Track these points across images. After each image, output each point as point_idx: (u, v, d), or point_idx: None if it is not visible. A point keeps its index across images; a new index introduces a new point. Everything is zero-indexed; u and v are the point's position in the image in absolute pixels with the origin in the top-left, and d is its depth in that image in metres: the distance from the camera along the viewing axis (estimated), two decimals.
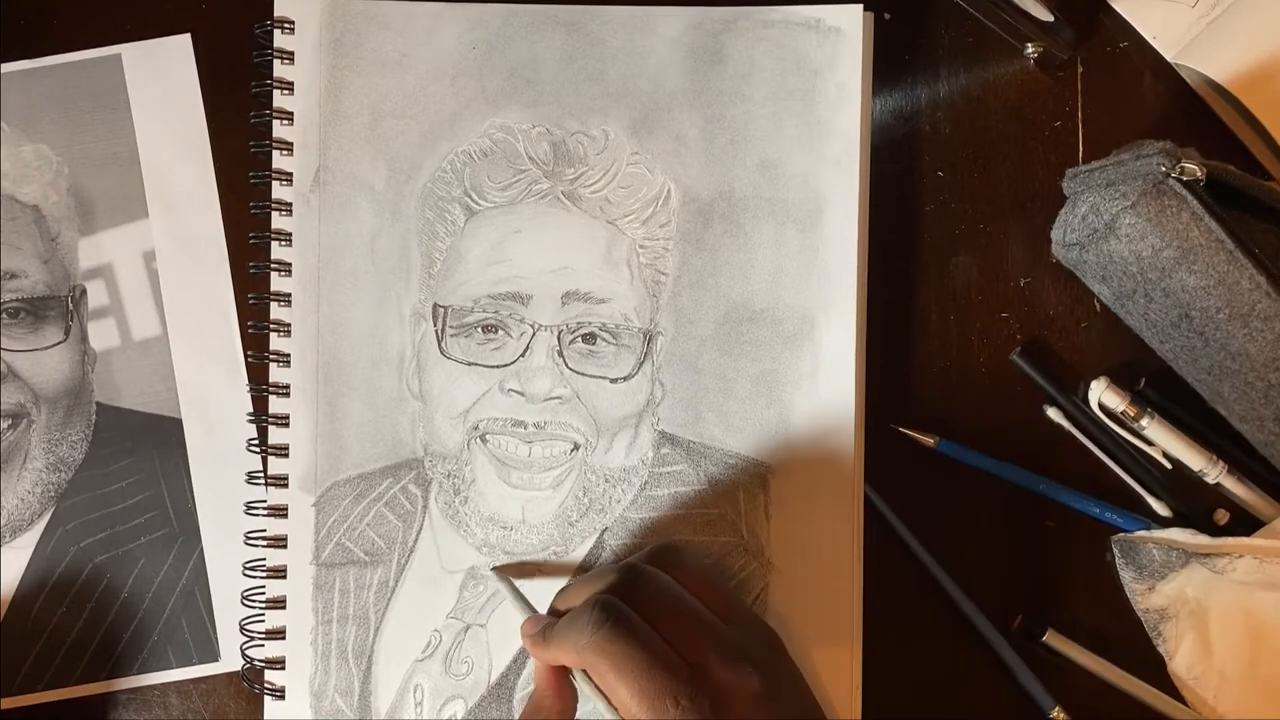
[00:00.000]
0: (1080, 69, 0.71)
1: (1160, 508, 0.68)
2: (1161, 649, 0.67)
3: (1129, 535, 0.68)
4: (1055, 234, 0.67)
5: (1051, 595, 0.69)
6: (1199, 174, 0.61)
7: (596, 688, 0.56)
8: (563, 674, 0.59)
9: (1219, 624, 0.66)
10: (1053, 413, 0.69)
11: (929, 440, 0.68)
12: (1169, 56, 0.70)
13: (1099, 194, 0.63)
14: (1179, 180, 0.61)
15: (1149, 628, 0.67)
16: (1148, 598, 0.67)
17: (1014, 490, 0.69)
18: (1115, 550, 0.68)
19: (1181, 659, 0.66)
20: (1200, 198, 0.61)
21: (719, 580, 0.62)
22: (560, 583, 0.65)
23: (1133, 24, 0.70)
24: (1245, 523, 0.68)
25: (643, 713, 0.53)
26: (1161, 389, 0.68)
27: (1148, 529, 0.67)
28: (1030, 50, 0.70)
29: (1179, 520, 0.68)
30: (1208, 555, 0.66)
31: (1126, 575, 0.68)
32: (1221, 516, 0.68)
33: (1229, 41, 0.68)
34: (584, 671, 0.57)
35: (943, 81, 0.71)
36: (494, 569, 0.67)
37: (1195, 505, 0.68)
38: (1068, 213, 0.66)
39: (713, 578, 0.61)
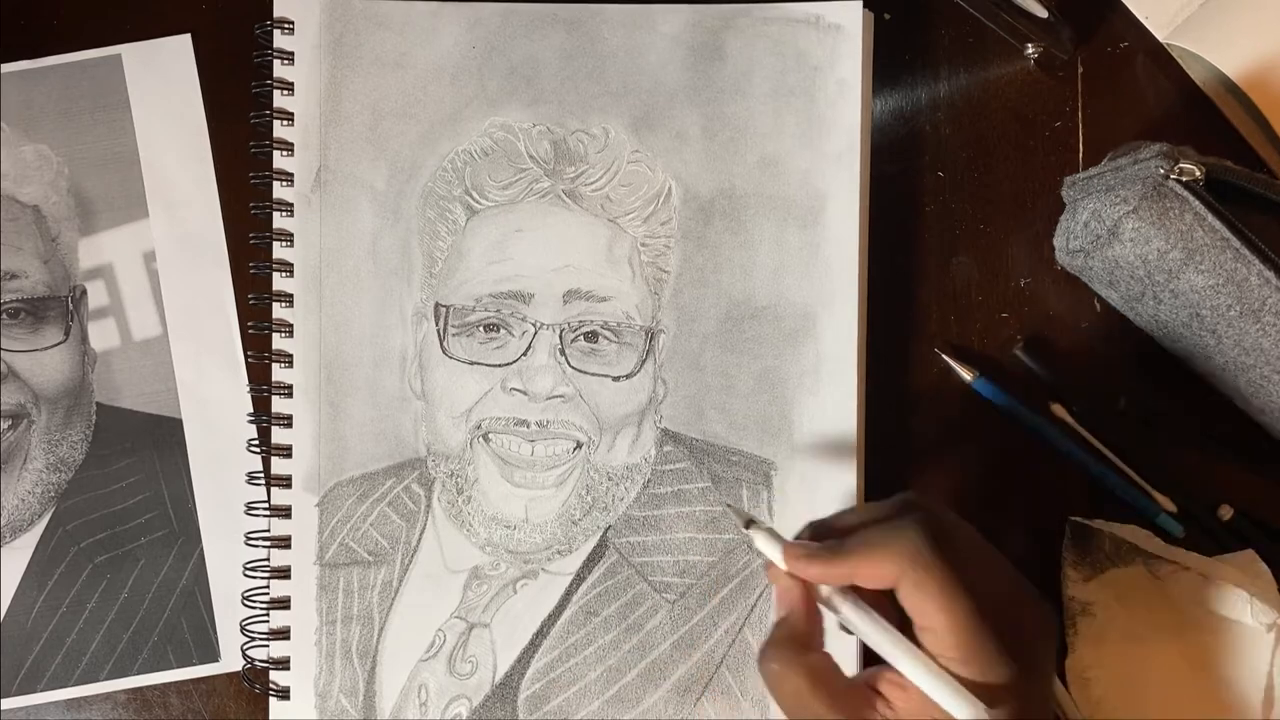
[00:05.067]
0: (1080, 69, 0.71)
1: (1165, 501, 0.68)
2: (1070, 638, 0.66)
3: (1087, 520, 0.67)
4: (1058, 241, 0.67)
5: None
6: (1197, 173, 0.61)
7: (869, 617, 0.52)
8: (809, 592, 0.53)
9: (1130, 646, 0.66)
10: (1057, 408, 0.69)
11: (967, 375, 0.69)
12: (1161, 37, 0.69)
13: (1099, 200, 0.63)
14: (1178, 181, 0.61)
15: (1067, 614, 0.67)
16: (1078, 586, 0.67)
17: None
18: (1068, 529, 0.67)
19: (1080, 657, 0.66)
20: (1201, 197, 0.61)
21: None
22: None
23: (1125, 3, 0.70)
24: (1248, 520, 0.68)
25: (960, 652, 0.49)
26: (1145, 403, 0.69)
27: (1156, 515, 0.67)
28: (1030, 50, 0.70)
29: (1183, 515, 0.68)
30: (1156, 558, 0.66)
31: (1069, 556, 0.67)
32: (1226, 512, 0.68)
33: (1222, 21, 0.68)
34: (851, 600, 0.52)
35: (943, 81, 0.71)
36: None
37: (1199, 500, 0.68)
38: (1069, 220, 0.66)
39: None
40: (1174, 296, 0.63)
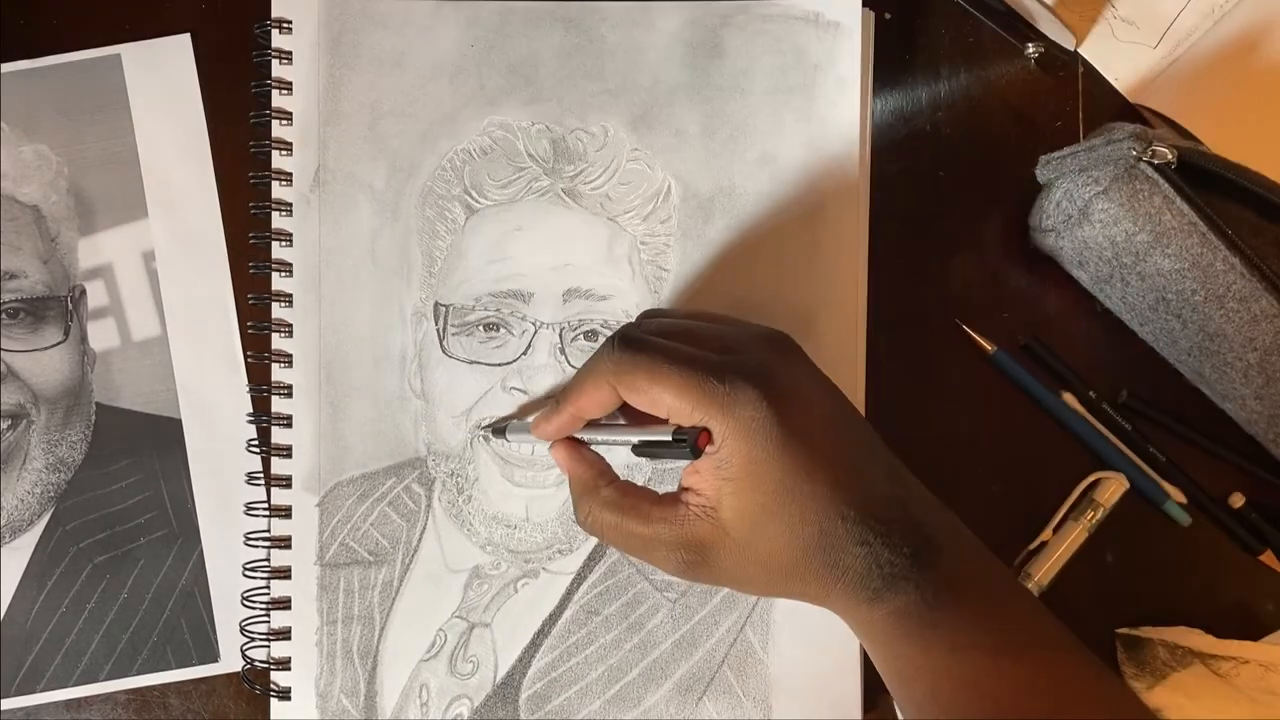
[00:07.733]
0: (1081, 68, 0.71)
1: (1175, 492, 0.68)
2: None
3: (1134, 630, 0.67)
4: (1032, 220, 0.67)
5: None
6: (1169, 157, 0.61)
7: (620, 424, 0.57)
8: (577, 447, 0.60)
9: None
10: (1068, 398, 0.69)
11: (988, 346, 0.69)
12: (1130, 98, 0.70)
13: (1072, 180, 0.64)
14: (1150, 164, 0.61)
15: None
16: (1144, 695, 0.66)
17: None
18: (1118, 644, 0.67)
19: None
20: (1172, 180, 0.61)
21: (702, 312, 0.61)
22: None
23: (1094, 65, 0.70)
24: (1261, 509, 0.67)
25: (692, 403, 0.51)
26: (1146, 399, 0.69)
27: (1163, 501, 0.67)
28: (1031, 50, 0.70)
29: (1194, 505, 0.68)
30: (1213, 656, 0.65)
31: (1126, 669, 0.67)
32: (1237, 500, 0.68)
33: (1189, 83, 0.68)
34: (590, 430, 0.58)
35: (943, 81, 0.71)
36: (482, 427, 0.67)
37: (1210, 489, 0.68)
38: (1043, 199, 0.66)
39: (696, 311, 0.60)
40: (1141, 279, 0.63)
